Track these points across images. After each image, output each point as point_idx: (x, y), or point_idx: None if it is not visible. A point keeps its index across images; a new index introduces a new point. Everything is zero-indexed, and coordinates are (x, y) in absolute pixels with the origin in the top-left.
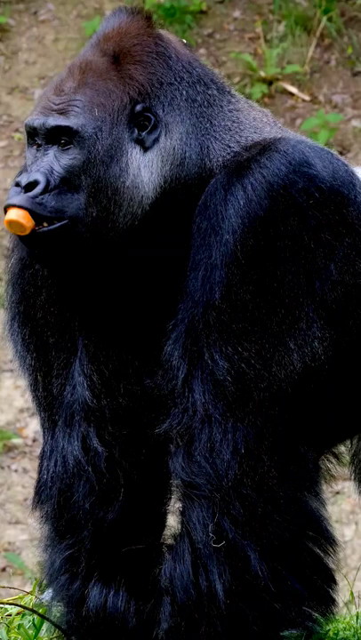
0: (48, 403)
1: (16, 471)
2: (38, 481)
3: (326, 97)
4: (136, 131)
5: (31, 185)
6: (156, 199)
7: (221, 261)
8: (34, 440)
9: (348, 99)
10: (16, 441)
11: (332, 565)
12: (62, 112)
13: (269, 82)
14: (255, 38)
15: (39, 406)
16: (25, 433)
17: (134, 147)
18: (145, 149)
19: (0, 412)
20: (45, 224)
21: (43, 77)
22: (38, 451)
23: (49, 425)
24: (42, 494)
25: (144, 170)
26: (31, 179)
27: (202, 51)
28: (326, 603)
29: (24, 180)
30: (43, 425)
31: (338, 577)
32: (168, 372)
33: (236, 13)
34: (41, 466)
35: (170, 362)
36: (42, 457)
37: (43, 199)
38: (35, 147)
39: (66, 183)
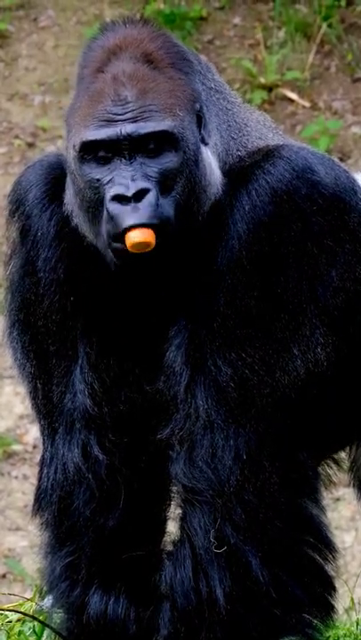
0: (48, 410)
1: (16, 478)
2: (38, 488)
3: (326, 103)
4: (198, 129)
5: (141, 193)
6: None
7: (227, 267)
8: (34, 446)
9: (349, 105)
10: (16, 447)
11: (331, 572)
12: (141, 119)
13: (269, 88)
14: (255, 44)
15: (39, 414)
16: (25, 439)
17: (201, 144)
18: (205, 146)
19: (0, 418)
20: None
21: (43, 84)
22: (38, 457)
23: (49, 432)
24: (42, 501)
25: (214, 166)
26: (138, 187)
27: (202, 57)
28: (326, 609)
29: (124, 190)
30: (42, 432)
31: (338, 583)
32: (170, 378)
33: (236, 20)
34: (41, 473)
35: (172, 368)
36: (42, 464)
37: (161, 208)
38: (96, 161)
39: (160, 189)
